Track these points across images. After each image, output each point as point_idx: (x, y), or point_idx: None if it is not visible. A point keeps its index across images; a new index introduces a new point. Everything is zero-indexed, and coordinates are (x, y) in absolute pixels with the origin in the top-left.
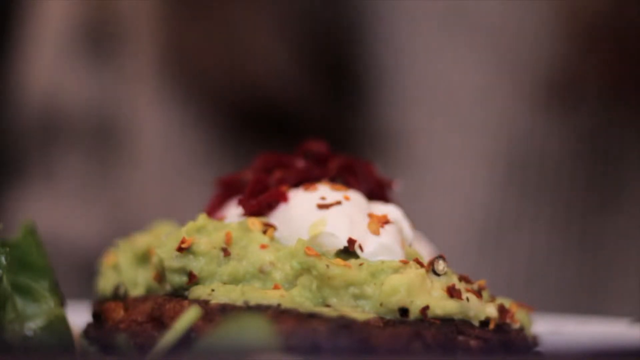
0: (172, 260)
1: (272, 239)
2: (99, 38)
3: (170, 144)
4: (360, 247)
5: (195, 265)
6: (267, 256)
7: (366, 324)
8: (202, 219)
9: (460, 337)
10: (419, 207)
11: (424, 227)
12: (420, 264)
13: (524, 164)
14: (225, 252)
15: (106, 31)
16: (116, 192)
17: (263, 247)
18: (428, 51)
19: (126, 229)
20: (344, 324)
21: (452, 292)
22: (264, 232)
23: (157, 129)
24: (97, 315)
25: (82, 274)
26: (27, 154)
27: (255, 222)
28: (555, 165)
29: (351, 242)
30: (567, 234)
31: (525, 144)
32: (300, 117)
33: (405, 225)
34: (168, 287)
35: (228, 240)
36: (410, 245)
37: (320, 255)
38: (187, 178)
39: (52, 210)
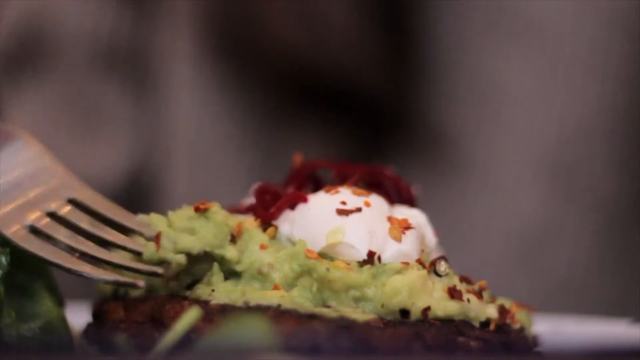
0: (185, 220)
1: (273, 237)
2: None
3: (205, 129)
4: (379, 259)
5: (205, 231)
6: (266, 257)
7: (366, 324)
8: (217, 205)
9: (461, 338)
10: (460, 208)
11: (463, 229)
12: (422, 265)
13: (570, 171)
14: (233, 239)
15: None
16: (145, 160)
17: (262, 247)
18: (481, 52)
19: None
20: (344, 325)
21: (453, 293)
22: (264, 230)
23: (191, 112)
24: (97, 316)
25: None
26: None
27: (252, 222)
28: (602, 174)
29: (371, 255)
30: (608, 245)
31: (572, 152)
32: (355, 96)
33: (429, 232)
34: (171, 285)
35: (239, 229)
36: (429, 253)
37: (320, 257)
38: (220, 164)
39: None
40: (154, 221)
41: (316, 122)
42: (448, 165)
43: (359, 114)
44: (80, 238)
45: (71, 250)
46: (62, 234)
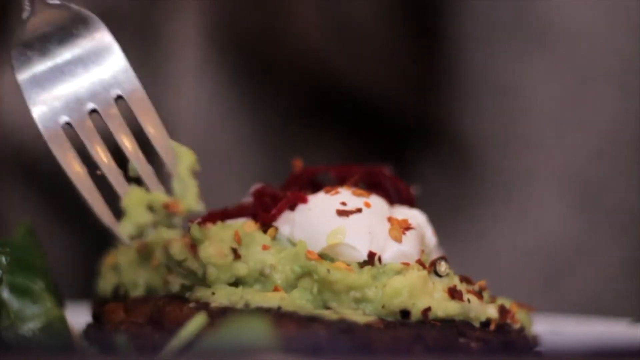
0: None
1: (274, 238)
2: (142, 10)
3: (212, 128)
4: (380, 260)
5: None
6: (269, 258)
7: (367, 326)
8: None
9: (462, 339)
10: (484, 223)
11: (486, 245)
12: (423, 266)
13: (599, 188)
14: (236, 254)
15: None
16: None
17: (265, 248)
18: (509, 62)
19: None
20: (345, 328)
21: (454, 294)
22: (264, 231)
23: (198, 109)
24: (97, 316)
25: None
26: None
27: (251, 225)
28: (633, 192)
29: (372, 256)
30: (638, 265)
31: (602, 168)
32: (377, 104)
33: (429, 232)
34: (174, 287)
35: (237, 238)
36: (429, 253)
37: (321, 259)
38: (226, 166)
39: None
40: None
41: (333, 128)
42: (473, 179)
43: (381, 123)
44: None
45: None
46: (94, 140)
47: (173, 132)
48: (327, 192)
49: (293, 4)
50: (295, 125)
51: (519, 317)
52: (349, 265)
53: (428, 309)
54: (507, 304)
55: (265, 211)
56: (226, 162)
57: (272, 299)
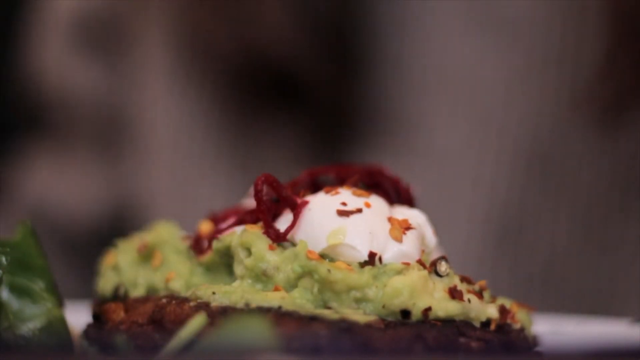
0: None
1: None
2: (105, 26)
3: (183, 132)
4: (380, 260)
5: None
6: (273, 259)
7: (367, 326)
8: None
9: (462, 339)
10: (433, 200)
11: (437, 221)
12: (423, 265)
13: (545, 161)
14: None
15: (113, 18)
16: (125, 182)
17: (271, 248)
18: (451, 39)
19: (134, 220)
20: (345, 327)
21: (454, 294)
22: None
23: (169, 116)
24: (97, 316)
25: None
26: (35, 138)
27: (254, 227)
28: (578, 164)
29: (372, 255)
30: (586, 235)
31: (547, 141)
32: (321, 98)
33: (429, 232)
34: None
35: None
36: (430, 253)
37: (321, 259)
38: (199, 167)
39: (60, 190)
40: None
41: (281, 121)
42: (420, 156)
43: (317, 109)
44: None
45: None
46: None
47: (148, 142)
48: (327, 192)
49: (262, 12)
50: (259, 124)
51: (519, 317)
52: (349, 265)
53: (428, 309)
54: (507, 303)
55: (268, 212)
56: (197, 160)
57: (272, 299)
